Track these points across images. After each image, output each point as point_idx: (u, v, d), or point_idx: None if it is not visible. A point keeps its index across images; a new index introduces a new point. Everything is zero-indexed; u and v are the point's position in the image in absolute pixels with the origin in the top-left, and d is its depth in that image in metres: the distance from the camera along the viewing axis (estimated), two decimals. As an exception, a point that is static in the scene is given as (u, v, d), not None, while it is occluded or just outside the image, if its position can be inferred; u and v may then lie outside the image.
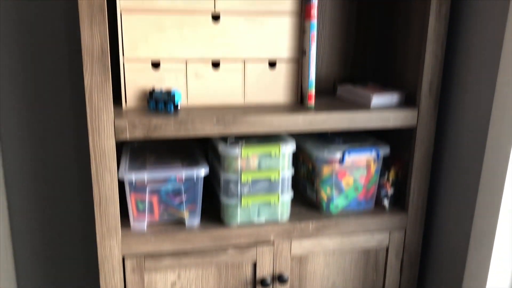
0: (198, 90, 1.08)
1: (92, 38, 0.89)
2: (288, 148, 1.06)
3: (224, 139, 1.08)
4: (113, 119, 0.93)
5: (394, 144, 1.21)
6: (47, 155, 1.31)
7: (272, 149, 1.04)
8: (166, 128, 0.96)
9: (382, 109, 1.09)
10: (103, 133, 0.93)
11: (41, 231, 1.36)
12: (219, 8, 1.04)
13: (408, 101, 1.16)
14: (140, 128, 0.95)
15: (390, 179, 1.18)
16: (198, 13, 1.03)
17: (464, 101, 1.09)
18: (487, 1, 1.00)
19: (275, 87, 1.12)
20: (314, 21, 1.06)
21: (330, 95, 1.27)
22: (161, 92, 1.02)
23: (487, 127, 1.01)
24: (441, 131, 1.17)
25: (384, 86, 1.27)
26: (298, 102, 1.14)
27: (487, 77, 1.01)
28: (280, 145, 1.05)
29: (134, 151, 1.15)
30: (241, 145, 1.03)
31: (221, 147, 1.03)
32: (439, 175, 1.19)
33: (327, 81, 1.33)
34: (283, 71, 1.12)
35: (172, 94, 1.01)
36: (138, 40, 1.02)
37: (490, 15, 1.00)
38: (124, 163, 1.05)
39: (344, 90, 1.22)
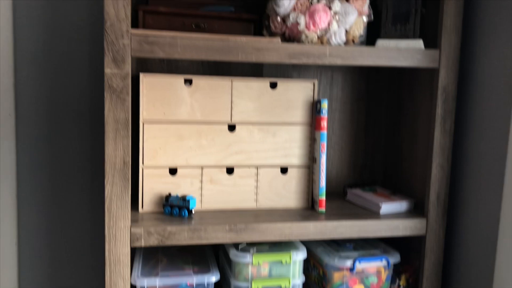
0: (212, 195, 1.12)
1: (115, 150, 0.94)
2: (299, 256, 1.07)
3: (236, 243, 1.10)
4: (130, 227, 0.96)
5: (404, 249, 1.22)
6: (60, 157, 1.30)
7: (283, 257, 1.06)
8: (180, 235, 0.99)
9: (391, 218, 1.11)
10: (119, 241, 0.96)
11: (48, 234, 1.33)
12: (235, 119, 1.11)
13: (417, 208, 1.18)
14: (155, 236, 0.98)
15: (401, 286, 1.17)
16: (215, 123, 1.10)
17: (473, 209, 1.11)
18: (490, 121, 1.06)
19: (287, 192, 1.16)
20: (325, 131, 1.12)
21: (340, 198, 1.29)
22: (176, 197, 1.06)
23: (496, 234, 1.02)
24: (451, 239, 1.18)
25: (393, 191, 1.30)
26: (309, 207, 1.17)
27: (494, 187, 1.04)
28: (291, 253, 1.06)
29: (147, 252, 1.17)
30: (252, 252, 1.05)
31: (232, 254, 1.05)
32: (450, 284, 1.18)
33: (336, 184, 1.37)
34: (295, 177, 1.16)
35: (187, 200, 1.05)
36: (157, 148, 1.08)
37: (493, 131, 1.05)
38: (137, 267, 1.06)
39: (353, 194, 1.25)
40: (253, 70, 1.29)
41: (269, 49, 0.99)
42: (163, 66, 1.24)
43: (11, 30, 1.21)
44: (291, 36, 1.06)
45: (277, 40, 1.00)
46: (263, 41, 0.97)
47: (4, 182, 1.25)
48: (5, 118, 1.23)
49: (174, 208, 1.06)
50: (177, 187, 1.10)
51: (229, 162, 1.12)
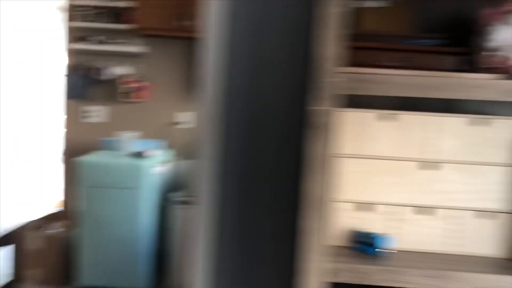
0: (404, 234, 1.07)
1: (315, 185, 0.95)
2: (501, 313, 0.97)
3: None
4: (321, 262, 0.96)
5: None
6: (255, 185, 1.32)
7: (484, 312, 0.96)
8: (376, 275, 0.96)
9: None
10: (312, 275, 0.96)
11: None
12: (432, 157, 1.05)
13: None
14: (346, 274, 0.96)
15: None
16: (410, 160, 1.06)
17: None
18: None
19: (486, 239, 1.06)
20: (534, 176, 1.01)
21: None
22: (365, 234, 1.04)
23: None
24: None
25: None
26: (510, 257, 1.06)
27: None
28: (493, 309, 0.96)
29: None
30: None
31: (425, 301, 0.99)
32: None
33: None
34: (498, 223, 1.06)
35: (378, 238, 1.02)
36: (350, 183, 1.07)
37: None
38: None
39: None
40: (443, 104, 1.22)
41: (481, 86, 0.92)
42: (350, 100, 1.23)
43: (220, 66, 1.31)
44: (502, 71, 0.98)
45: (490, 76, 0.93)
46: (478, 78, 0.91)
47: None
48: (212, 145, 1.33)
49: (365, 245, 1.03)
50: (366, 223, 1.07)
51: (424, 202, 1.06)
